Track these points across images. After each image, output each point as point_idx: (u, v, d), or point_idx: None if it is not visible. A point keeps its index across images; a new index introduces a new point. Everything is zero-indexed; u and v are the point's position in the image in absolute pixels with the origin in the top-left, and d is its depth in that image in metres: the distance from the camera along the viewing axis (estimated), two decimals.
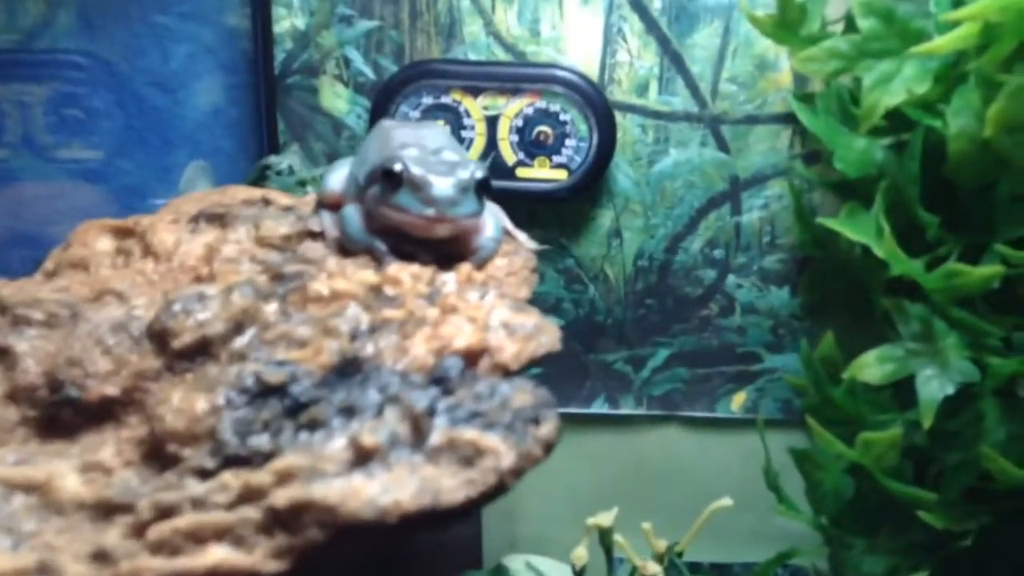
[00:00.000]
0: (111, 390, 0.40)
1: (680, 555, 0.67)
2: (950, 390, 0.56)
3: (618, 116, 0.73)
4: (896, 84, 0.56)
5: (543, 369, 0.77)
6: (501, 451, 0.34)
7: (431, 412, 0.36)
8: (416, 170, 0.47)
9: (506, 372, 0.40)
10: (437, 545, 0.74)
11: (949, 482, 0.58)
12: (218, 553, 0.33)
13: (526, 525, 0.81)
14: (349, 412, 0.37)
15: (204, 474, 0.36)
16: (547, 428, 0.35)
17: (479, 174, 0.48)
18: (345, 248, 0.51)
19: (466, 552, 0.77)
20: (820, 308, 0.75)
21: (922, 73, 0.55)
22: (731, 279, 0.76)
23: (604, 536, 0.63)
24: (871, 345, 0.60)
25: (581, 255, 0.76)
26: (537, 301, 0.77)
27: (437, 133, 0.54)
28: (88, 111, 0.76)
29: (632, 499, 0.79)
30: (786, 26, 0.62)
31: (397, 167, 0.47)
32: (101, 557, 0.34)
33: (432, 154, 0.49)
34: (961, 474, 0.58)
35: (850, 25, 0.61)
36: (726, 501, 0.65)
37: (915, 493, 0.58)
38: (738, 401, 0.78)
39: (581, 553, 0.62)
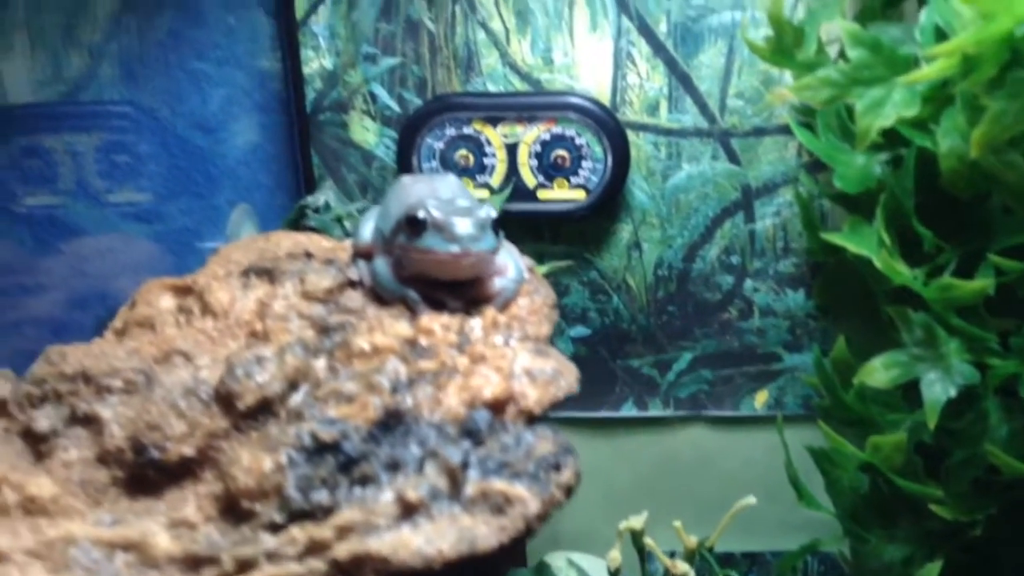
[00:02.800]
0: (188, 450, 0.46)
1: (711, 549, 0.71)
2: (952, 392, 0.59)
3: (631, 135, 0.77)
4: (887, 108, 0.59)
5: None
6: (527, 499, 0.39)
7: (465, 465, 0.41)
8: (438, 214, 0.52)
9: (530, 416, 0.45)
10: None
11: (957, 477, 0.61)
12: None
13: (567, 523, 0.85)
14: (394, 467, 0.42)
15: (275, 528, 0.41)
16: (567, 474, 0.40)
17: (493, 214, 0.54)
18: (380, 296, 0.56)
19: (511, 551, 0.82)
20: (833, 311, 0.78)
21: (911, 97, 0.58)
22: (748, 283, 0.80)
23: (636, 538, 0.68)
24: (883, 346, 0.63)
25: (604, 267, 0.81)
26: (565, 312, 0.82)
27: (449, 184, 0.60)
28: (136, 156, 0.81)
29: (664, 495, 0.84)
30: (783, 51, 0.65)
31: (421, 214, 0.52)
32: None
33: (447, 203, 0.55)
34: (968, 469, 0.61)
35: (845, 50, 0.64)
36: (750, 500, 0.68)
37: (923, 489, 0.61)
38: (761, 399, 0.82)
39: (615, 556, 0.66)
